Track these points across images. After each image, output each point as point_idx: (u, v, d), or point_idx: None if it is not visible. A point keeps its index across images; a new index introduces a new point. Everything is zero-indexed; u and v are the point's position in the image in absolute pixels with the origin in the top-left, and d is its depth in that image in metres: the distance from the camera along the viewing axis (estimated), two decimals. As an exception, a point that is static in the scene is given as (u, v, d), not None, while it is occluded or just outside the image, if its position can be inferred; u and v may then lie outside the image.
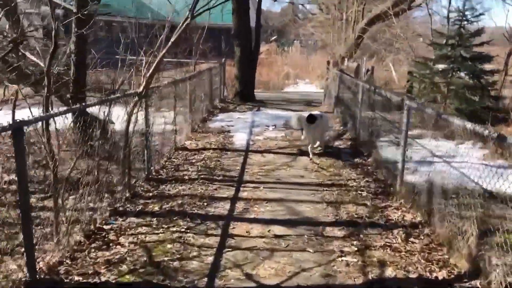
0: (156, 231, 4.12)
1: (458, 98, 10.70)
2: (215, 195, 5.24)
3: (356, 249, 3.89)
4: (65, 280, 3.24)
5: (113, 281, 3.26)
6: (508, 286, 3.06)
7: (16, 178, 3.19)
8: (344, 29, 24.60)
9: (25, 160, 3.08)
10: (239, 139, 8.40)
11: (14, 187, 4.58)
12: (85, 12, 6.49)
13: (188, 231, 4.14)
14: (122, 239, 3.94)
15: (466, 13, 10.74)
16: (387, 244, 3.99)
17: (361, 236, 4.17)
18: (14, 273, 3.16)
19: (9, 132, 2.91)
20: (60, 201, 3.89)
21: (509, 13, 59.96)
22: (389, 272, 3.51)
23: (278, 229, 4.27)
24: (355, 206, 4.98)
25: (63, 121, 4.36)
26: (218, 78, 13.46)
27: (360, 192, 5.49)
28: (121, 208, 4.73)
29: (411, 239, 4.13)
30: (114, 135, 5.85)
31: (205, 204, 4.90)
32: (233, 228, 4.27)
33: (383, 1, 20.45)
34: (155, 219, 4.42)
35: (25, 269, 3.10)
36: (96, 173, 4.80)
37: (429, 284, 3.38)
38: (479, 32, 10.97)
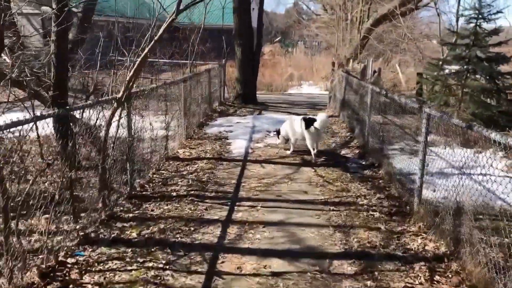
0: (129, 267, 3.43)
1: (473, 102, 9.94)
2: (205, 217, 4.54)
3: (370, 292, 3.19)
4: None
5: None
6: None
7: None
8: (349, 29, 23.95)
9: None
10: (237, 146, 7.71)
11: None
12: (65, 9, 5.87)
13: (167, 267, 3.45)
14: (86, 278, 3.25)
15: (483, 10, 9.98)
16: (408, 285, 3.28)
17: (376, 273, 3.46)
18: None
19: None
20: (13, 224, 3.20)
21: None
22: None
23: (276, 264, 3.57)
24: (367, 232, 4.26)
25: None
26: (218, 79, 12.78)
27: (372, 213, 4.78)
28: (93, 234, 4.05)
29: (436, 277, 3.41)
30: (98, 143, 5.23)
31: (192, 229, 4.20)
32: (222, 262, 3.58)
33: (389, 1, 19.78)
34: (130, 250, 3.73)
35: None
36: (68, 187, 4.17)
37: None
38: (497, 31, 10.21)
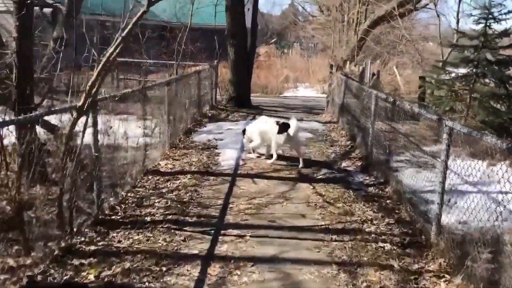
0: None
1: (483, 108, 9.23)
2: (182, 251, 3.76)
3: None
4: None
5: None
6: None
7: None
8: (345, 31, 23.34)
9: None
10: (227, 157, 6.93)
11: None
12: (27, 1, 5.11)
13: (125, 330, 2.67)
14: None
15: (493, 10, 9.28)
16: None
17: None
18: None
19: None
20: None
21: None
22: None
23: (266, 322, 2.80)
24: (378, 272, 3.50)
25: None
26: (209, 82, 12.01)
27: (381, 245, 4.02)
28: (40, 277, 3.26)
29: None
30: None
31: (164, 269, 3.42)
32: (198, 320, 2.81)
33: (387, 2, 19.18)
34: (81, 302, 2.95)
35: None
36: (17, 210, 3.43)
37: None
38: (508, 32, 9.51)
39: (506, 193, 5.29)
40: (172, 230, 4.14)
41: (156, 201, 4.95)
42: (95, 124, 4.31)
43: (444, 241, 3.86)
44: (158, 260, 3.54)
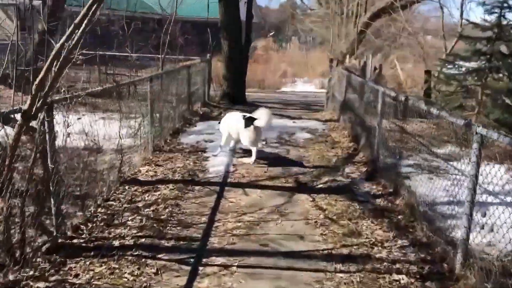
0: None
1: (496, 105, 8.51)
2: (151, 289, 3.05)
3: None
4: None
5: None
6: None
7: None
8: (345, 24, 22.63)
9: None
10: (216, 163, 6.20)
11: None
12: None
13: None
14: None
15: (508, -2, 8.53)
16: None
17: None
18: None
19: None
20: None
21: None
22: None
23: None
24: (396, 318, 2.80)
25: None
26: (201, 77, 11.25)
27: (396, 277, 3.30)
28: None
29: None
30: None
31: (125, 319, 2.71)
32: None
33: (388, -7, 18.46)
34: None
35: None
36: None
37: None
38: (525, 22, 8.77)
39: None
40: (143, 259, 3.42)
41: (130, 218, 4.22)
42: (50, 130, 3.57)
43: (474, 273, 3.15)
44: (119, 304, 2.83)
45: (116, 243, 3.71)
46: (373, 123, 6.64)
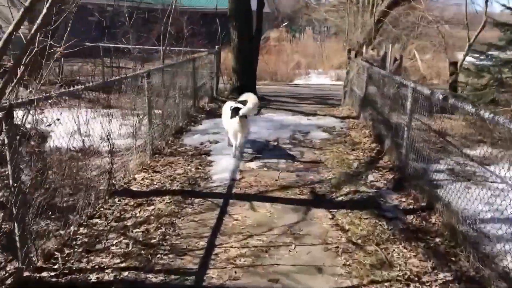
0: None
1: (536, 101, 7.63)
2: None
3: None
4: None
5: None
6: None
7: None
8: (361, 13, 21.67)
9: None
10: (221, 168, 5.50)
11: None
12: None
13: None
14: None
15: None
16: None
17: None
18: None
19: None
20: None
21: None
22: None
23: None
24: None
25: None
26: (208, 70, 10.53)
27: (445, 333, 2.57)
28: None
29: None
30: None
31: None
32: None
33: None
34: None
35: None
36: None
37: None
38: None
39: None
40: (122, 303, 2.75)
41: (115, 242, 3.55)
42: (11, 141, 2.89)
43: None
44: None
45: (93, 277, 3.04)
46: (399, 122, 5.86)
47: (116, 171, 4.93)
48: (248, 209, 4.31)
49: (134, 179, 5.05)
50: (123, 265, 3.21)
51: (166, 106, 6.75)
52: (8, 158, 2.91)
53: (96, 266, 3.18)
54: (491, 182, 5.09)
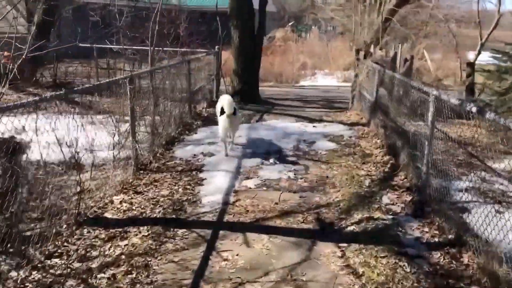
0: None
1: None
2: None
3: None
4: None
5: None
6: None
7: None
8: (368, 12, 20.89)
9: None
10: (213, 189, 4.79)
11: None
12: None
13: None
14: None
15: None
16: None
17: None
18: None
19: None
20: None
21: None
22: None
23: None
24: None
25: None
26: (206, 72, 9.83)
27: None
28: None
29: None
30: None
31: None
32: None
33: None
34: None
35: None
36: None
37: None
38: None
39: None
40: None
41: (71, 293, 2.86)
42: None
43: None
44: None
45: None
46: (417, 133, 5.12)
47: (89, 191, 4.27)
48: (241, 243, 3.59)
49: (112, 202, 4.36)
50: (74, 330, 2.51)
51: (155, 113, 6.05)
52: None
53: (41, 332, 2.49)
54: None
